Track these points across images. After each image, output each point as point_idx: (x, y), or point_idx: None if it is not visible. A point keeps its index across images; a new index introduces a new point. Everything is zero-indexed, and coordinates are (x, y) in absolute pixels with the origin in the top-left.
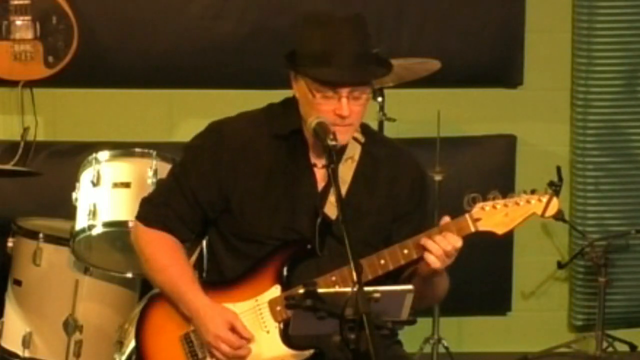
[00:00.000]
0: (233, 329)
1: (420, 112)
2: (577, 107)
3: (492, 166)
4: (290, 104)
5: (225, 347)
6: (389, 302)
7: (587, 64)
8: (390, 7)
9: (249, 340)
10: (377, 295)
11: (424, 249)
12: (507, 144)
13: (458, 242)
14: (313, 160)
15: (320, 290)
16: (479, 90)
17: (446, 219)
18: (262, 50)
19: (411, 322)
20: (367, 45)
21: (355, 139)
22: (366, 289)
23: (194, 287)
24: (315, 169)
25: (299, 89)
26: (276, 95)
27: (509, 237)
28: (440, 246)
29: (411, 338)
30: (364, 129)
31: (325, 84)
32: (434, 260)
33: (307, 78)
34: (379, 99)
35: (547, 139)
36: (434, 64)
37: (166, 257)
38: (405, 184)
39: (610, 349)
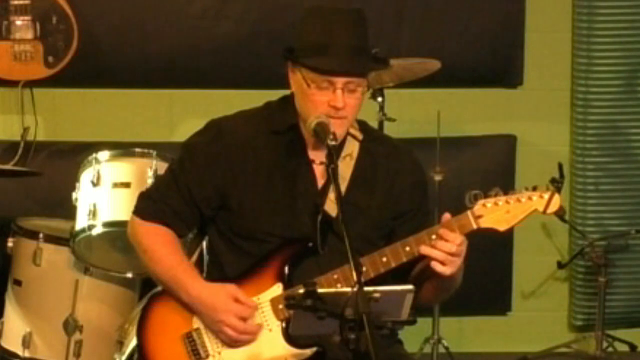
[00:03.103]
0: (237, 301)
1: (420, 112)
2: (577, 107)
3: (492, 166)
4: (288, 101)
5: (236, 320)
6: (389, 302)
7: (587, 64)
8: (390, 7)
9: (254, 307)
10: (377, 295)
11: (429, 258)
12: (507, 144)
13: (457, 239)
14: (311, 156)
15: (320, 290)
16: (479, 90)
17: (447, 215)
18: (262, 50)
19: (411, 322)
20: (364, 39)
21: (353, 136)
22: (366, 289)
23: (192, 273)
24: (314, 165)
25: (295, 80)
26: (275, 96)
27: (509, 236)
28: (444, 251)
29: (411, 338)
30: (362, 126)
31: (321, 73)
32: (442, 268)
33: (304, 68)
34: (379, 99)
35: (547, 139)
36: (434, 64)
37: (163, 247)
38: (405, 182)
39: (610, 349)
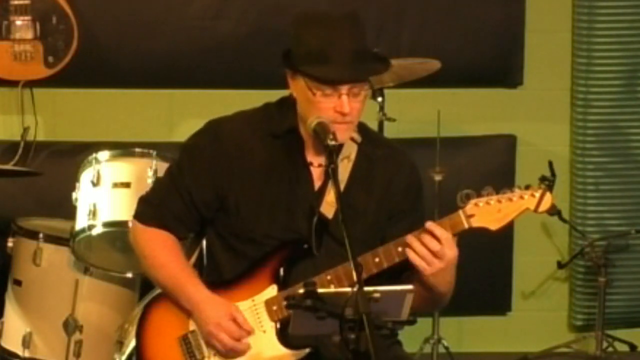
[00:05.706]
0: (234, 321)
1: (420, 112)
2: (577, 107)
3: (492, 166)
4: (286, 103)
5: (225, 336)
6: (389, 302)
7: (587, 64)
8: (390, 7)
9: (249, 332)
10: (377, 295)
11: (409, 247)
12: (507, 144)
13: (443, 235)
14: (309, 159)
15: (320, 290)
16: (479, 90)
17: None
18: (262, 50)
19: (411, 322)
20: (364, 42)
21: (351, 138)
22: (366, 289)
23: (195, 280)
24: (312, 168)
25: (297, 88)
26: (276, 95)
27: (508, 237)
28: (427, 246)
29: (411, 338)
30: (361, 128)
31: (325, 82)
32: (420, 262)
33: (306, 77)
34: (379, 99)
35: (547, 139)
36: (434, 64)
37: (165, 253)
38: (401, 184)
39: (610, 349)
